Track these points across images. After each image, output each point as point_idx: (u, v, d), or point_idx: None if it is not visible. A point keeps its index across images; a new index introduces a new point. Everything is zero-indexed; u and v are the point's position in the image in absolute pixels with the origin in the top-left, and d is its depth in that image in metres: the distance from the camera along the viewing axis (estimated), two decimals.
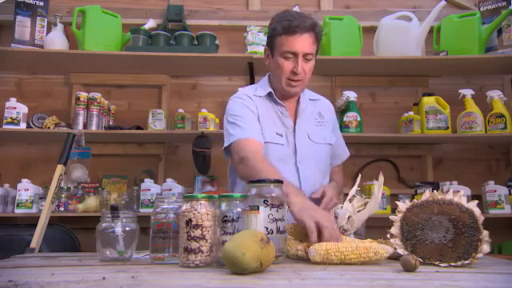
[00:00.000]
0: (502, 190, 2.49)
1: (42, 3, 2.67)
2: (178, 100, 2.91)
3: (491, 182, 2.54)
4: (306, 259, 1.06)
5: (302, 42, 1.47)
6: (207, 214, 0.98)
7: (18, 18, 2.60)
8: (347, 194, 1.29)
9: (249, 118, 1.52)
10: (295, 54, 1.48)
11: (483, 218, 0.98)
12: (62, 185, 2.47)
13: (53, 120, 2.59)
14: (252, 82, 2.81)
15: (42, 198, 2.43)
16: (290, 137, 1.56)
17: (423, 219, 1.02)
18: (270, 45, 1.56)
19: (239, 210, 1.01)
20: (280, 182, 1.08)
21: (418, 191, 2.56)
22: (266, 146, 1.50)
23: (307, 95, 1.69)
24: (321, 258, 0.98)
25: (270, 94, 1.60)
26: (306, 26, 1.47)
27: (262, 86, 1.64)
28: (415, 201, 1.06)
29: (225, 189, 2.00)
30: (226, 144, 1.52)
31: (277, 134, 1.54)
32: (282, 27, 1.48)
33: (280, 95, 1.60)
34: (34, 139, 2.79)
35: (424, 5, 3.02)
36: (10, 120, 2.51)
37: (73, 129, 2.54)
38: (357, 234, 1.26)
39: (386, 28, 2.66)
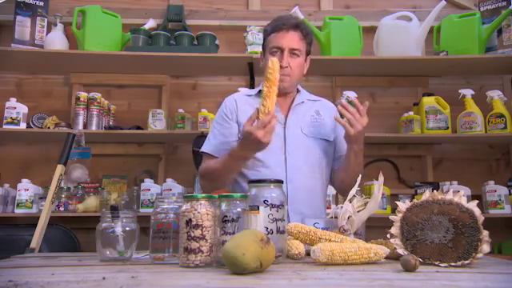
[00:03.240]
0: (502, 190, 2.49)
1: (41, 3, 2.67)
2: (178, 100, 2.91)
3: (491, 182, 2.54)
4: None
5: (288, 38, 1.58)
6: (207, 214, 0.98)
7: (18, 17, 2.60)
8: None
9: (220, 130, 1.65)
10: (281, 49, 1.58)
11: (483, 218, 0.98)
12: (62, 185, 2.47)
13: (53, 120, 2.59)
14: (252, 81, 2.82)
15: (42, 198, 2.43)
16: (279, 129, 1.61)
17: (423, 219, 1.02)
18: (263, 47, 1.68)
19: (239, 209, 1.01)
20: (280, 181, 1.09)
21: (418, 191, 2.56)
22: None
23: (305, 96, 1.74)
24: (326, 259, 0.98)
25: (260, 92, 1.65)
26: (291, 23, 1.59)
27: (258, 87, 1.73)
28: (415, 201, 1.06)
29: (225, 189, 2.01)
30: (201, 149, 1.68)
31: None
32: (271, 28, 1.62)
33: None
34: (34, 139, 2.79)
35: (424, 5, 3.02)
36: (9, 120, 2.51)
37: (73, 129, 2.54)
38: (357, 234, 1.25)
39: (385, 28, 2.66)
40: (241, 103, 1.68)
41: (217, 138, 1.65)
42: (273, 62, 1.32)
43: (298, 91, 1.72)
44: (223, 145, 1.62)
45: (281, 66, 1.55)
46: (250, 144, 1.36)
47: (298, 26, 1.59)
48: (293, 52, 1.58)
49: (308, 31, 1.63)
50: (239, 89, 2.57)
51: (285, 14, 1.67)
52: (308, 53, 1.66)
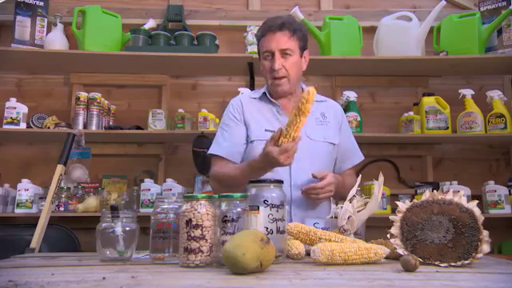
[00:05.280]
0: (502, 190, 2.49)
1: (41, 3, 2.67)
2: (178, 100, 2.91)
3: (491, 182, 2.54)
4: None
5: (276, 40, 1.55)
6: (207, 214, 0.98)
7: (18, 18, 2.60)
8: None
9: (230, 132, 1.64)
10: (271, 53, 1.57)
11: (483, 218, 0.98)
12: (62, 185, 2.47)
13: (53, 120, 2.59)
14: (252, 82, 2.82)
15: (42, 198, 2.43)
16: None
17: (423, 219, 1.02)
18: (258, 51, 1.67)
19: (239, 209, 1.01)
20: (280, 182, 1.09)
21: (418, 191, 2.56)
22: (251, 145, 1.59)
23: None
24: (326, 259, 0.98)
25: (264, 95, 1.69)
26: (277, 24, 1.56)
27: (261, 89, 1.73)
28: (415, 201, 1.06)
29: None
30: (208, 151, 1.66)
31: (266, 130, 1.59)
32: (260, 31, 1.61)
33: (276, 95, 1.66)
34: (34, 139, 2.79)
35: (424, 5, 3.02)
36: (10, 120, 2.51)
37: (73, 129, 2.54)
38: (357, 234, 1.25)
39: (385, 28, 2.66)
40: (246, 104, 1.67)
41: (227, 140, 1.62)
42: (309, 93, 1.20)
43: (302, 91, 1.70)
44: (234, 147, 1.61)
45: (273, 69, 1.56)
46: (270, 163, 1.34)
47: (283, 25, 1.55)
48: (284, 52, 1.55)
49: (295, 27, 1.58)
50: (239, 89, 2.57)
51: (273, 16, 1.64)
52: (303, 48, 1.61)
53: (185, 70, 2.89)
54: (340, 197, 1.60)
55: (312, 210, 1.55)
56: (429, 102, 2.60)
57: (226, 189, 1.56)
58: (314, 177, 1.46)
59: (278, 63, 1.55)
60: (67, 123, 2.62)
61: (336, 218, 1.23)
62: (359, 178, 1.33)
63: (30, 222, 2.25)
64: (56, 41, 2.63)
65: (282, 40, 1.55)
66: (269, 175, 1.52)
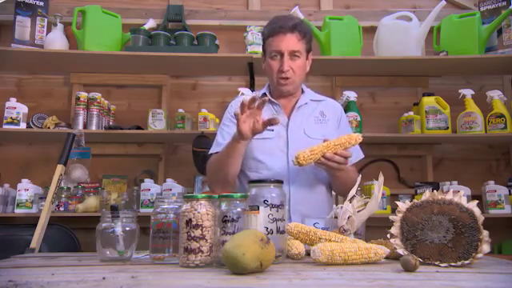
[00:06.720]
0: (502, 190, 2.49)
1: (41, 3, 2.67)
2: (178, 100, 2.91)
3: (491, 182, 2.54)
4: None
5: (286, 41, 1.56)
6: (207, 214, 0.98)
7: (18, 18, 2.60)
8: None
9: (228, 131, 1.64)
10: (281, 53, 1.57)
11: (483, 217, 0.98)
12: (62, 185, 2.47)
13: (53, 120, 2.59)
14: (252, 82, 2.82)
15: (42, 198, 2.43)
16: (282, 131, 1.61)
17: (423, 219, 1.02)
18: (263, 49, 1.68)
19: (239, 210, 1.01)
20: (280, 182, 1.09)
21: (418, 191, 2.56)
22: (250, 143, 1.58)
23: (309, 95, 1.73)
24: (326, 259, 0.98)
25: (264, 95, 1.69)
26: (289, 25, 1.56)
27: (262, 89, 1.75)
28: (415, 201, 1.06)
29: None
30: (209, 152, 1.69)
31: None
32: (268, 31, 1.60)
33: (277, 95, 1.68)
34: (34, 139, 2.79)
35: (424, 5, 3.02)
36: (10, 120, 2.51)
37: (73, 129, 2.54)
38: (357, 234, 1.25)
39: (385, 28, 2.66)
40: None
41: (225, 139, 1.63)
42: (357, 139, 1.41)
43: (302, 91, 1.71)
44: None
45: (282, 71, 1.57)
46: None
47: (295, 27, 1.57)
48: (293, 54, 1.57)
49: (306, 30, 1.61)
50: (239, 89, 2.57)
51: (281, 15, 1.65)
52: (309, 50, 1.64)
53: (185, 70, 2.89)
54: (343, 187, 1.56)
55: (311, 209, 1.55)
56: (429, 102, 2.60)
57: (215, 177, 1.62)
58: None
59: (287, 65, 1.56)
60: (67, 123, 2.62)
61: (336, 217, 1.23)
62: (359, 178, 1.33)
63: (30, 222, 2.25)
64: (56, 41, 2.63)
65: (293, 42, 1.56)
66: (266, 175, 1.54)
